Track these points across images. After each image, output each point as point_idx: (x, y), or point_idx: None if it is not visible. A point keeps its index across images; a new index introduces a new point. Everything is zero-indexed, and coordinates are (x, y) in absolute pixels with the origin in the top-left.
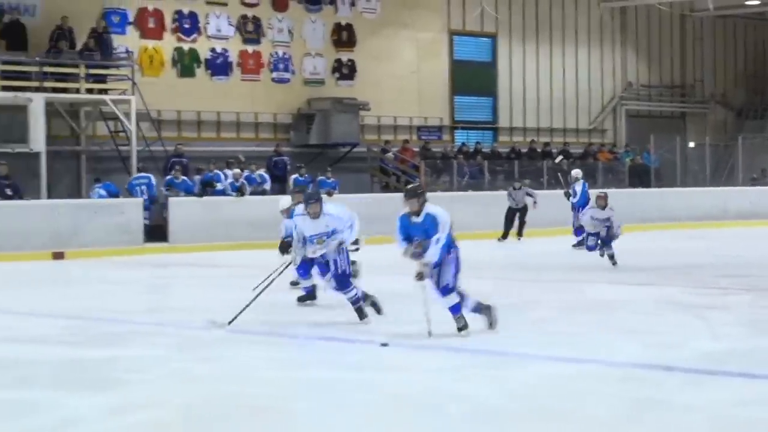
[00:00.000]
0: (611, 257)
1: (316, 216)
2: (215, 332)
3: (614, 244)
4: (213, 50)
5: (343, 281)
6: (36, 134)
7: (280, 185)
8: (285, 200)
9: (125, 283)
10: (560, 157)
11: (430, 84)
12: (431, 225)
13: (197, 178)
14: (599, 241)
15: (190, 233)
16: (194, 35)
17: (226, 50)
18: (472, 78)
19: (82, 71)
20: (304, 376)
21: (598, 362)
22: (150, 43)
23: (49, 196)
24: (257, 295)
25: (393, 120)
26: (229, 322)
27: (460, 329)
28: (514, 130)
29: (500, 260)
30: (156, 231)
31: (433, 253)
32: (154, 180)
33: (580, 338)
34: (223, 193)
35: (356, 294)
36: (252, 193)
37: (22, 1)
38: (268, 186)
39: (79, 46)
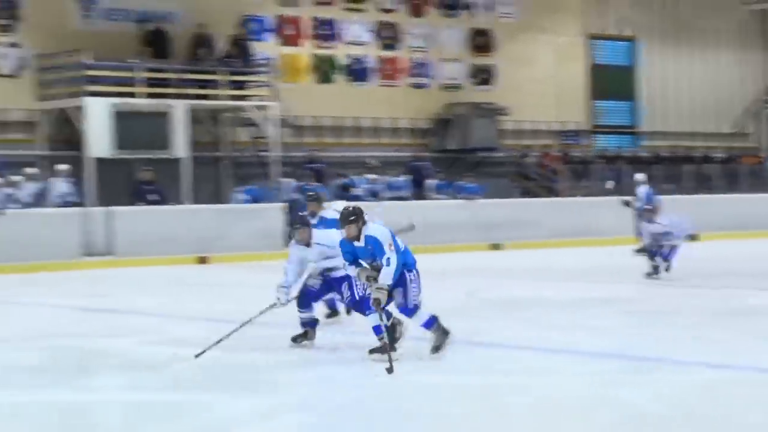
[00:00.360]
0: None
1: (306, 243)
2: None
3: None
4: (351, 56)
5: (361, 306)
6: (178, 140)
7: (418, 191)
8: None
9: (269, 287)
10: (611, 183)
11: (568, 88)
12: (376, 247)
13: (335, 183)
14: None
15: None
16: (332, 41)
17: (364, 56)
18: (612, 82)
19: (222, 78)
20: (456, 381)
21: (753, 369)
22: (289, 50)
23: (193, 202)
24: (229, 334)
25: (531, 125)
26: (197, 355)
27: (436, 348)
28: (655, 135)
29: (641, 266)
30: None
31: (386, 276)
32: (290, 185)
33: (731, 344)
34: (360, 198)
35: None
36: (390, 199)
37: (164, 10)
38: (406, 192)
39: (218, 53)
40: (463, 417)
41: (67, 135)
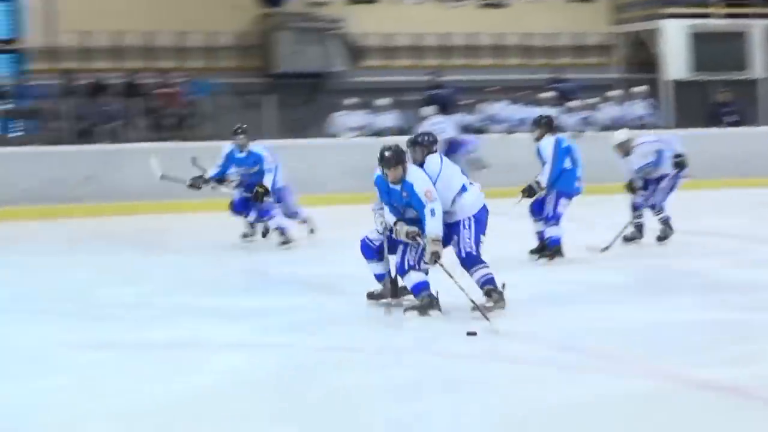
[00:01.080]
0: None
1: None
2: None
3: None
4: None
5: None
6: (756, 61)
7: None
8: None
9: None
10: None
11: None
12: (413, 196)
13: None
14: None
15: None
16: None
17: None
18: None
19: None
20: None
21: None
22: None
23: None
24: None
25: None
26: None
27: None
28: None
29: None
30: None
31: (434, 227)
32: None
33: None
34: None
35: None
36: None
37: None
38: None
39: None
40: None
41: (642, 58)
